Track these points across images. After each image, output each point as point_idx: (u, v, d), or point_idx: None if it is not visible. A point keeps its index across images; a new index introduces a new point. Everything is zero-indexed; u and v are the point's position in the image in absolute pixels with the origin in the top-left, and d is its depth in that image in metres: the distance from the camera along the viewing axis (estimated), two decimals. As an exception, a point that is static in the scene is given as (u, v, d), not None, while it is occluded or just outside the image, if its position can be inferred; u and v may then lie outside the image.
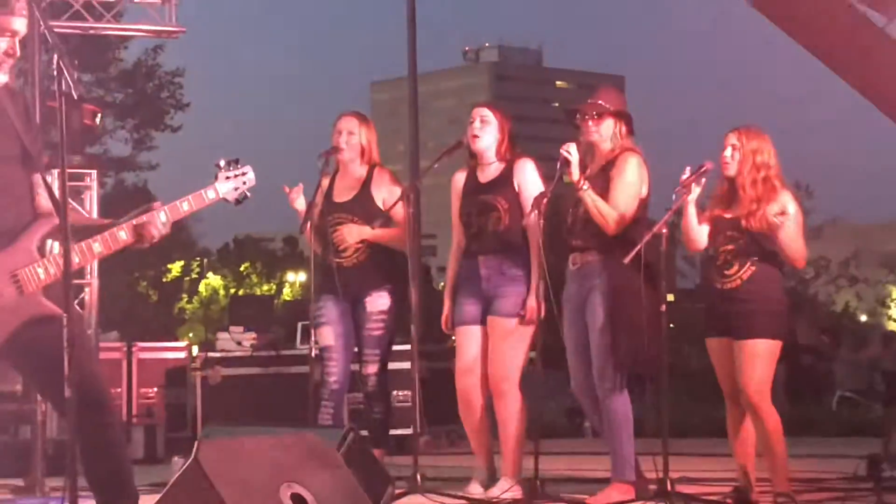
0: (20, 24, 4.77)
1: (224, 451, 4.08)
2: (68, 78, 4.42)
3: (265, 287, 57.61)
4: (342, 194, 8.07)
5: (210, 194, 5.09)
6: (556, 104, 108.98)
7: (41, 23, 4.64)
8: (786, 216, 7.07)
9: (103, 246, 4.82)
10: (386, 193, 8.00)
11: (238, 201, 5.13)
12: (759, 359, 7.09)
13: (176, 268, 52.76)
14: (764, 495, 7.23)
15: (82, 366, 4.77)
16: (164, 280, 51.51)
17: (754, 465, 7.29)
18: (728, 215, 7.22)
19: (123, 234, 4.86)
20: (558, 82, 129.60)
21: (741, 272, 7.16)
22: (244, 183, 5.16)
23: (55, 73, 4.41)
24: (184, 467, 4.02)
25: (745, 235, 7.16)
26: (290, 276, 60.11)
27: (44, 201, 4.84)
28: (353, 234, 7.96)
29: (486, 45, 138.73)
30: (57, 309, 4.64)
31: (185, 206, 5.00)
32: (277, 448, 4.27)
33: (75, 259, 4.74)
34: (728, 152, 7.23)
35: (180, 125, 36.77)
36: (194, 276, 56.83)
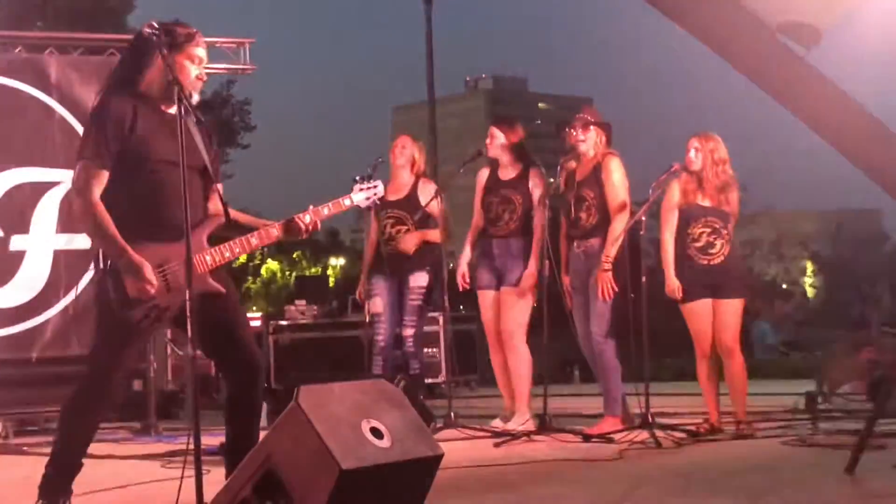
0: (204, 54, 4.85)
1: (318, 395, 4.11)
2: (187, 103, 4.47)
3: (313, 269, 57.45)
4: (394, 195, 8.13)
5: (346, 202, 5.11)
6: (539, 122, 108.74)
7: (166, 62, 4.66)
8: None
9: (258, 239, 4.86)
10: (427, 195, 8.07)
11: (369, 208, 5.21)
12: (736, 314, 7.20)
13: (242, 256, 52.54)
14: (727, 424, 7.27)
15: (242, 332, 4.84)
16: (233, 265, 51.45)
17: (717, 404, 7.33)
18: (705, 203, 7.27)
19: (274, 231, 4.89)
20: (540, 104, 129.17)
21: (722, 249, 7.23)
22: (375, 194, 5.19)
23: (175, 99, 4.45)
24: (286, 409, 4.04)
25: (721, 219, 7.22)
26: (332, 261, 60.04)
27: (213, 205, 4.90)
28: (409, 241, 8.04)
29: (483, 75, 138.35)
30: (220, 287, 4.69)
31: (325, 210, 5.03)
32: (358, 391, 4.30)
33: (236, 249, 4.82)
34: (692, 153, 7.30)
35: (249, 143, 36.77)
36: (257, 261, 56.76)
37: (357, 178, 5.19)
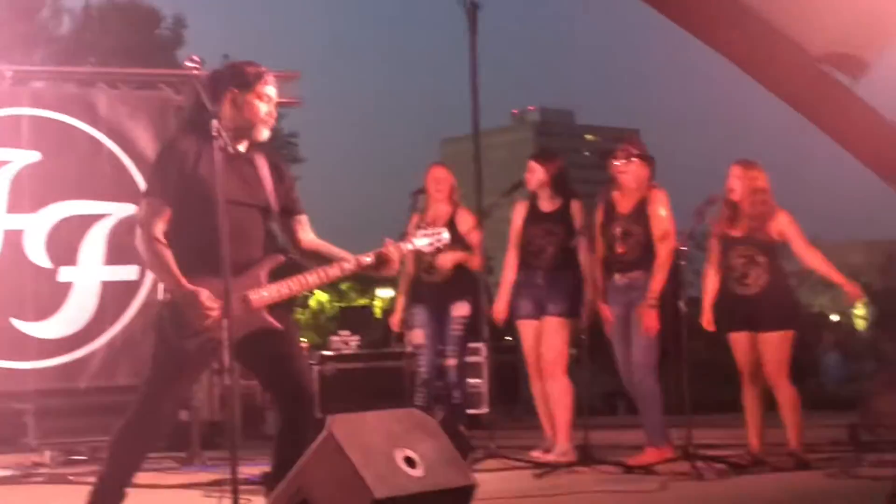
0: (274, 92, 4.91)
1: (351, 423, 4.12)
2: (224, 138, 4.52)
3: (361, 301, 57.57)
4: (433, 224, 8.13)
5: (408, 246, 5.12)
6: (587, 153, 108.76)
7: (203, 97, 4.72)
8: (791, 229, 7.18)
9: (316, 277, 4.88)
10: (465, 225, 8.07)
11: (432, 253, 5.24)
12: (777, 347, 7.11)
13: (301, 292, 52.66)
14: (774, 456, 7.18)
15: (298, 368, 4.87)
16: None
17: (762, 436, 7.25)
18: (736, 234, 7.23)
19: (334, 271, 4.90)
20: (587, 135, 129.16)
21: (758, 279, 7.17)
22: (439, 241, 5.20)
23: (215, 134, 4.50)
24: (320, 437, 4.05)
25: (754, 249, 7.17)
26: (380, 292, 60.13)
27: (304, 235, 5.00)
28: (447, 259, 8.05)
29: (530, 107, 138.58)
30: (276, 323, 4.74)
31: (409, 246, 5.08)
32: (392, 420, 4.30)
33: (294, 286, 4.85)
34: (733, 182, 7.26)
35: (297, 176, 37.03)
36: (306, 293, 56.99)
37: (422, 224, 5.19)
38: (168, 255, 4.66)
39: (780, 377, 7.14)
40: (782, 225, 7.23)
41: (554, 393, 7.74)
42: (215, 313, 4.58)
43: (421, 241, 5.16)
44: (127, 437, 4.81)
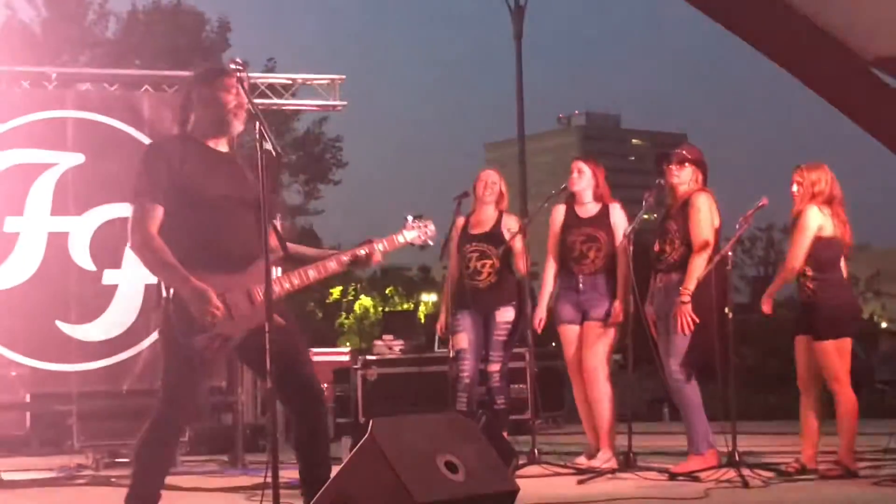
0: (232, 81, 4.90)
1: (392, 427, 4.12)
2: (269, 139, 4.52)
3: (405, 305, 57.70)
4: (478, 228, 8.15)
5: (400, 238, 5.21)
6: (633, 158, 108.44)
7: (247, 98, 4.75)
8: None
9: (316, 271, 4.93)
10: (511, 230, 8.05)
11: (422, 246, 5.27)
12: (830, 355, 7.00)
13: (336, 291, 53.10)
14: (819, 464, 7.10)
15: (303, 364, 4.88)
16: (327, 301, 51.91)
17: (815, 443, 7.16)
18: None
19: (332, 264, 4.97)
20: (634, 140, 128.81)
21: (804, 287, 7.08)
22: (426, 233, 5.26)
23: (258, 136, 4.50)
24: (361, 442, 4.05)
25: (809, 257, 7.05)
26: (425, 297, 60.23)
27: (273, 239, 4.96)
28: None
29: (576, 112, 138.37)
30: (281, 319, 4.73)
31: (380, 246, 5.11)
32: (433, 425, 4.30)
33: (295, 281, 4.87)
34: (795, 188, 7.17)
35: (340, 179, 37.14)
36: (350, 297, 57.15)
37: (408, 217, 5.25)
38: (167, 252, 4.67)
39: (835, 384, 7.00)
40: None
41: (596, 399, 7.71)
42: (220, 312, 4.60)
43: (410, 234, 5.23)
44: (151, 440, 4.85)
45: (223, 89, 4.88)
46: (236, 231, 4.72)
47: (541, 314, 7.95)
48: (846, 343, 7.04)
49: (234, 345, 4.73)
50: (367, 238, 5.09)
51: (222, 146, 4.94)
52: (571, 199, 7.95)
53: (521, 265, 8.06)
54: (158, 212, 4.74)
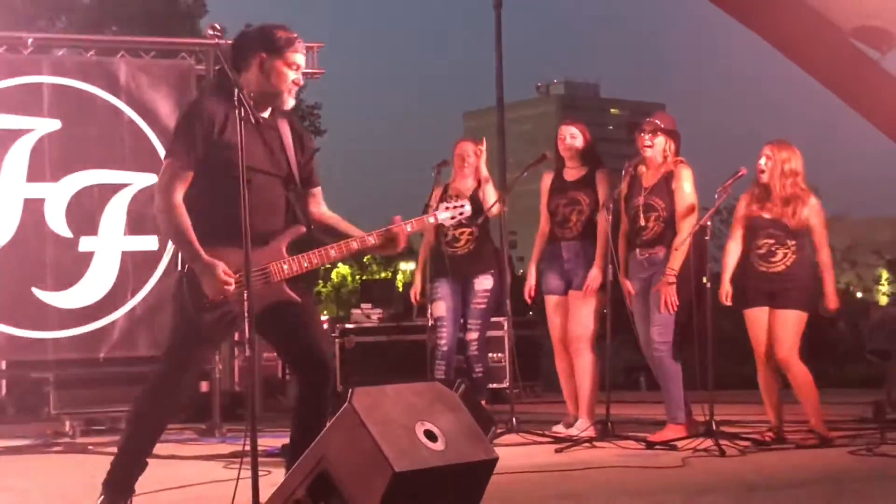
0: (303, 60, 4.82)
1: (371, 396, 4.11)
2: (248, 108, 4.47)
3: (383, 274, 57.67)
4: (457, 195, 8.13)
5: (431, 220, 5.13)
6: (611, 127, 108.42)
7: (226, 66, 4.67)
8: (818, 218, 7.18)
9: (337, 251, 4.82)
10: (490, 198, 8.02)
11: (453, 227, 5.22)
12: (791, 326, 7.08)
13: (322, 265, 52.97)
14: (794, 434, 7.17)
15: (316, 336, 4.84)
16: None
17: (780, 412, 7.24)
18: (766, 215, 7.18)
19: (355, 244, 4.85)
20: (612, 109, 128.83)
21: (784, 259, 7.13)
22: (461, 213, 5.19)
23: (237, 104, 4.44)
24: (340, 410, 4.05)
25: (783, 233, 7.12)
26: (403, 266, 60.24)
27: (324, 209, 4.95)
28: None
29: (555, 80, 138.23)
30: (295, 296, 4.71)
31: (408, 227, 4.97)
32: (413, 394, 4.29)
33: (315, 260, 4.80)
34: (763, 161, 7.20)
35: (318, 147, 36.99)
36: (328, 266, 57.16)
37: (430, 203, 5.17)
38: (188, 224, 4.58)
39: (790, 356, 7.10)
40: (812, 211, 7.17)
41: (578, 368, 7.73)
42: (231, 288, 4.56)
43: (444, 215, 5.14)
44: (146, 407, 4.80)
45: (290, 64, 4.75)
46: (261, 206, 4.61)
47: (530, 282, 7.97)
48: (804, 317, 7.16)
49: (243, 321, 4.68)
50: (394, 218, 4.94)
51: (265, 113, 4.79)
52: (561, 165, 7.93)
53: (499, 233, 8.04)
54: (187, 177, 4.64)
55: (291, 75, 4.78)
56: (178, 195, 4.63)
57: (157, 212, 4.71)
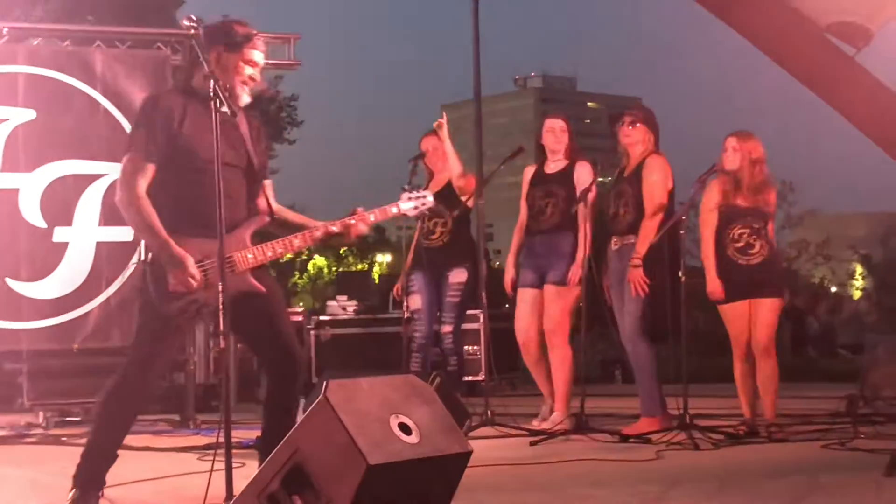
0: (261, 57, 4.83)
1: (346, 389, 4.10)
2: (224, 99, 4.46)
3: (359, 266, 57.65)
4: (432, 188, 8.10)
5: (394, 210, 5.14)
6: (588, 121, 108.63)
7: (201, 57, 4.65)
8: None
9: (301, 240, 4.88)
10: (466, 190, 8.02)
11: (417, 217, 5.23)
12: (773, 313, 7.16)
13: (286, 254, 52.94)
14: (758, 426, 7.21)
15: (284, 328, 4.85)
16: (281, 261, 51.73)
17: (755, 406, 7.29)
18: (742, 204, 7.21)
19: (318, 233, 4.90)
20: (589, 103, 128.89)
21: (761, 249, 7.18)
22: (423, 204, 5.21)
23: (213, 95, 4.44)
24: (314, 402, 4.03)
25: (758, 219, 7.18)
26: (379, 257, 60.21)
27: (263, 203, 4.93)
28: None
29: (532, 74, 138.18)
30: (260, 286, 4.72)
31: (371, 216, 5.03)
32: (387, 386, 4.28)
33: (279, 249, 4.83)
34: (729, 152, 7.25)
35: (295, 139, 36.92)
36: (304, 257, 57.06)
37: (406, 186, 5.21)
38: (153, 214, 4.60)
39: (770, 343, 7.17)
40: (775, 197, 7.32)
41: (554, 361, 7.73)
42: (197, 281, 4.57)
43: (406, 206, 5.17)
44: (115, 400, 4.80)
45: (248, 61, 4.79)
46: (226, 196, 4.63)
47: (510, 274, 7.96)
48: (780, 305, 7.27)
49: (210, 310, 4.68)
50: (353, 209, 4.99)
51: (223, 108, 4.83)
52: (542, 158, 7.93)
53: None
54: (150, 170, 4.66)
55: (248, 71, 4.82)
56: (141, 187, 4.65)
57: (120, 205, 4.73)
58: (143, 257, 4.72)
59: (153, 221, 4.60)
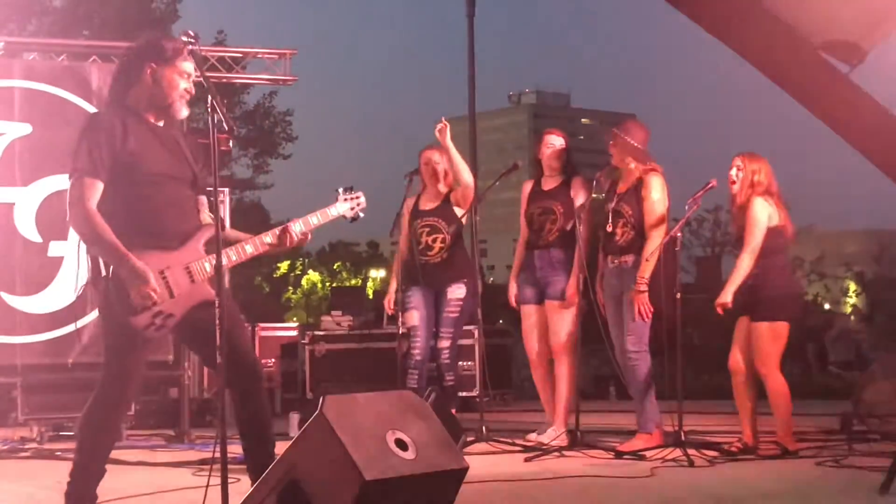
0: (192, 68, 4.88)
1: (343, 405, 4.11)
2: (220, 113, 4.48)
3: (353, 281, 57.62)
4: (428, 204, 8.10)
5: (332, 212, 5.21)
6: (582, 137, 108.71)
7: (199, 72, 4.71)
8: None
9: (253, 247, 4.95)
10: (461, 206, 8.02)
11: (353, 219, 5.26)
12: (765, 338, 7.07)
13: (284, 266, 53.00)
14: (766, 443, 7.17)
15: (242, 341, 4.89)
16: (275, 276, 51.75)
17: (754, 424, 7.24)
18: (734, 227, 7.23)
19: (269, 239, 4.98)
20: (583, 119, 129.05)
21: (755, 269, 7.13)
22: (358, 205, 5.28)
23: (209, 110, 4.46)
24: (311, 419, 4.04)
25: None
26: (373, 273, 60.19)
27: (205, 215, 4.97)
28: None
29: (526, 90, 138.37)
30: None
31: (314, 219, 5.13)
32: (384, 402, 4.29)
33: (233, 257, 4.87)
34: (733, 172, 7.23)
35: (290, 154, 36.92)
36: (298, 272, 57.07)
37: (339, 189, 5.27)
38: (107, 229, 4.62)
39: (764, 368, 7.07)
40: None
41: (559, 374, 7.77)
42: (158, 294, 4.61)
43: (342, 207, 5.24)
44: (93, 417, 4.84)
45: (181, 73, 4.86)
46: (175, 208, 4.74)
47: (513, 290, 8.00)
48: (782, 327, 7.10)
49: (175, 322, 4.70)
50: (292, 220, 5.08)
51: (160, 121, 4.91)
52: (540, 174, 7.96)
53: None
54: (98, 187, 4.69)
55: (182, 84, 4.89)
56: (91, 204, 4.67)
57: (73, 223, 4.76)
58: (102, 272, 4.69)
59: (109, 237, 4.62)
